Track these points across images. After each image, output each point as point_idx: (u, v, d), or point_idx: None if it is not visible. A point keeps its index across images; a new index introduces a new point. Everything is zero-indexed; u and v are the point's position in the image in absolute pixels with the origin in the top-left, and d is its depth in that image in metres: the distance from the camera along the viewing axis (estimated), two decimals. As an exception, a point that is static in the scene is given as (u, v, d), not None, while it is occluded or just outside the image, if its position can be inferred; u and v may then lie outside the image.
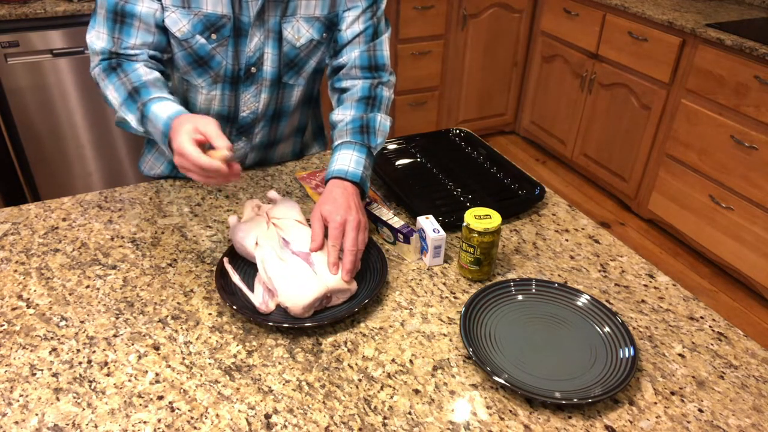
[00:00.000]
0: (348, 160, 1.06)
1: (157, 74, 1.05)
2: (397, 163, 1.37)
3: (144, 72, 1.04)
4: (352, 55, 1.19)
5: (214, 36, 1.08)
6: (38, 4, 2.26)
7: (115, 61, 1.06)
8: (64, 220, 1.15)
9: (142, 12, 1.04)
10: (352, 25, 1.17)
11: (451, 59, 3.29)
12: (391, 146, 1.44)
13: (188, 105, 1.21)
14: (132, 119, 1.01)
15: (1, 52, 2.22)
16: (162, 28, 1.08)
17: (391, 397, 0.80)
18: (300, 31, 1.14)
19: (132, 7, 1.03)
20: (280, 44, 1.14)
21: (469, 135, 1.47)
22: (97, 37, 1.06)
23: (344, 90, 1.21)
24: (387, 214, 1.10)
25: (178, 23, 1.06)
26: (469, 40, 3.26)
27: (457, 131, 1.49)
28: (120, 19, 1.04)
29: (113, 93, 1.04)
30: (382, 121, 1.16)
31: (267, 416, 0.77)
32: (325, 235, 0.97)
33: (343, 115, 1.15)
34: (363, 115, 1.14)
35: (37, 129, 2.41)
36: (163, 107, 0.97)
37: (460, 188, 1.27)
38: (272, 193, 1.11)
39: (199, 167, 0.85)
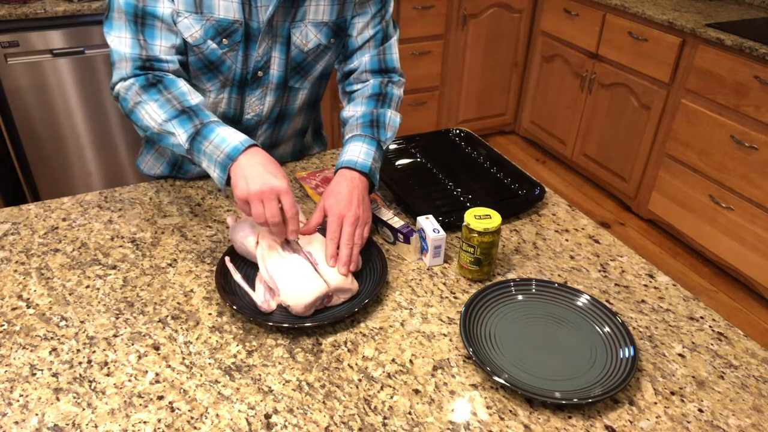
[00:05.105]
0: (358, 151, 1.07)
1: (202, 97, 1.04)
2: (397, 163, 1.37)
3: (188, 90, 1.03)
4: (362, 60, 1.20)
5: (225, 41, 1.08)
6: (38, 4, 2.26)
7: (153, 77, 1.03)
8: (64, 220, 1.15)
9: (164, 13, 1.03)
10: (362, 31, 1.18)
11: (451, 59, 3.28)
12: (391, 146, 1.44)
13: None
14: (181, 134, 0.99)
15: (1, 52, 2.22)
16: None
17: (391, 397, 0.80)
18: (308, 36, 1.14)
19: (153, 9, 1.02)
20: (288, 48, 1.14)
21: (469, 135, 1.47)
22: (120, 42, 1.03)
23: (355, 92, 1.22)
24: (387, 214, 1.10)
25: (191, 29, 1.05)
26: (469, 40, 3.26)
27: (457, 131, 1.49)
28: (141, 21, 1.02)
29: (155, 109, 1.01)
30: (392, 117, 1.17)
31: (267, 416, 0.77)
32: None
33: (354, 111, 1.16)
34: (373, 110, 1.15)
35: (37, 129, 2.41)
36: (230, 132, 0.98)
37: (460, 188, 1.27)
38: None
39: (277, 220, 0.92)
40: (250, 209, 0.92)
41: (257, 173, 0.92)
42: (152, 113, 1.01)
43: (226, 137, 0.96)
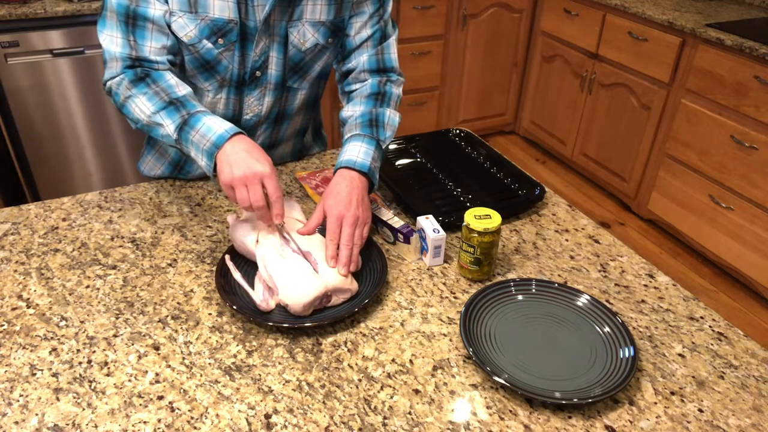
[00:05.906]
0: (357, 151, 1.07)
1: (190, 89, 1.05)
2: (397, 163, 1.37)
3: (176, 83, 1.04)
4: (360, 60, 1.20)
5: (221, 41, 1.08)
6: (38, 4, 2.26)
7: (142, 71, 1.05)
8: (64, 220, 1.15)
9: (154, 15, 1.03)
10: (360, 30, 1.18)
11: (451, 59, 3.28)
12: (391, 146, 1.44)
13: None
14: (169, 125, 1.00)
15: (1, 52, 2.22)
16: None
17: (391, 397, 0.80)
18: (305, 36, 1.14)
19: (144, 10, 1.03)
20: (285, 48, 1.14)
21: (469, 135, 1.47)
22: (112, 42, 1.04)
23: (354, 91, 1.22)
24: (387, 214, 1.10)
25: (185, 28, 1.06)
26: (469, 40, 3.26)
27: (457, 131, 1.49)
28: (132, 22, 1.03)
29: (144, 102, 1.02)
30: (391, 116, 1.17)
31: (267, 416, 0.77)
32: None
33: (353, 110, 1.16)
34: (372, 109, 1.15)
35: (37, 129, 2.41)
36: (217, 121, 0.99)
37: (460, 188, 1.27)
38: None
39: (261, 205, 0.93)
40: (235, 194, 0.93)
41: (241, 159, 0.93)
42: (141, 106, 1.02)
43: (212, 126, 0.97)
